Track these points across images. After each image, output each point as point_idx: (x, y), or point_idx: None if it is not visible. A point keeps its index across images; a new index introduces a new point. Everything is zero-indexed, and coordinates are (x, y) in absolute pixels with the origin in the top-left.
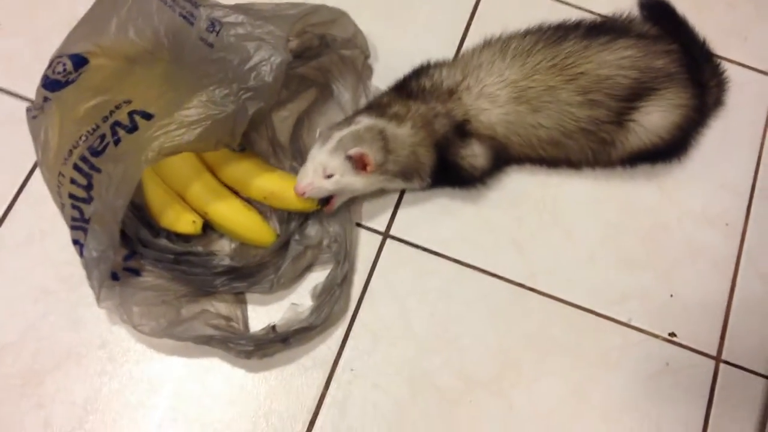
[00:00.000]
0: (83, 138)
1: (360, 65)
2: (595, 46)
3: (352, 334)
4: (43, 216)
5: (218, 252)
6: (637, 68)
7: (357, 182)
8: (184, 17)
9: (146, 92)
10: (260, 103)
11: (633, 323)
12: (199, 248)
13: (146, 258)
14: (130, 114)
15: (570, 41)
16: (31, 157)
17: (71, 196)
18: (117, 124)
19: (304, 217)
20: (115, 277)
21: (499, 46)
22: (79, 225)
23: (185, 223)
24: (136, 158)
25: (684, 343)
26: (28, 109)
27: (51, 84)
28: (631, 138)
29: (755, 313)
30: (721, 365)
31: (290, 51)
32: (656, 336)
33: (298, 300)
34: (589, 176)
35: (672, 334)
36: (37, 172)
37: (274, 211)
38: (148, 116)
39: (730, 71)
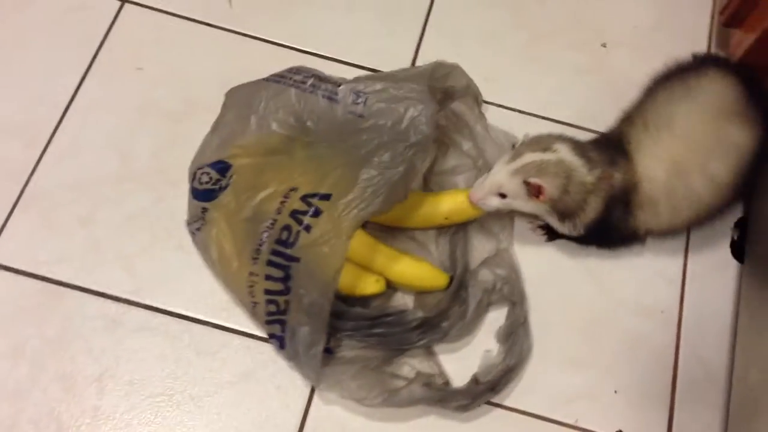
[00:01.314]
0: (265, 234)
1: (476, 113)
2: None
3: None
4: None
5: (402, 307)
6: None
7: (522, 206)
8: (328, 98)
9: (306, 176)
10: (426, 156)
11: (580, 425)
12: (390, 307)
13: (341, 330)
14: (305, 200)
15: None
16: None
17: (267, 291)
18: (296, 212)
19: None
20: None
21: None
22: (276, 318)
23: (370, 284)
24: (337, 238)
25: None
26: (188, 224)
27: (204, 194)
28: None
29: (699, 399)
30: None
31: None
32: None
33: (476, 343)
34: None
35: None
36: None
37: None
38: (326, 197)
39: None
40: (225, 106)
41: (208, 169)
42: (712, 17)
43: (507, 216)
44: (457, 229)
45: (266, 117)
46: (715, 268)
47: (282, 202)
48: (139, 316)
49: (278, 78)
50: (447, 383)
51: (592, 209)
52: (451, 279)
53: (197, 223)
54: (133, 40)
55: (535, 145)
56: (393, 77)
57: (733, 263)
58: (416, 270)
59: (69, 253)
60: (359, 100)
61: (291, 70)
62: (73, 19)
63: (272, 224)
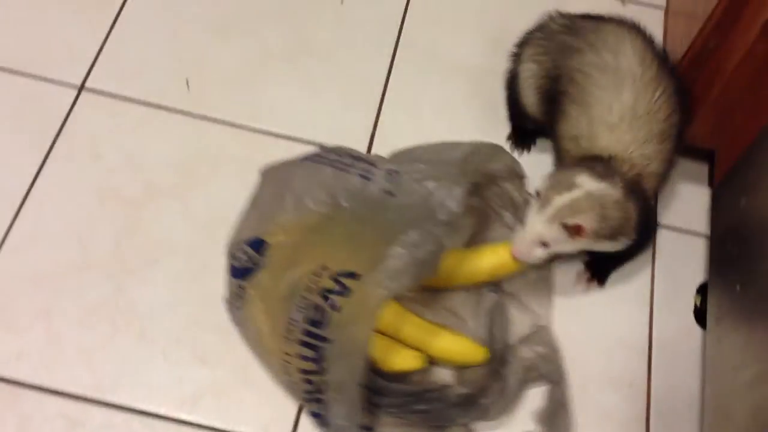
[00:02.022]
0: (297, 313)
1: (519, 190)
2: None
3: None
4: None
5: (442, 382)
6: None
7: (568, 248)
8: (362, 176)
9: (336, 254)
10: (454, 236)
11: None
12: (430, 383)
13: (381, 406)
14: (335, 278)
15: None
16: None
17: (302, 371)
18: (327, 291)
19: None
20: None
21: None
22: (314, 397)
23: (409, 359)
24: (364, 319)
25: None
26: (228, 302)
27: (241, 272)
28: None
29: None
30: None
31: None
32: None
33: (515, 423)
34: None
35: None
36: None
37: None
38: (353, 275)
39: None
40: (261, 184)
41: (244, 247)
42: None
43: (545, 291)
44: (494, 303)
45: (302, 195)
46: (680, 336)
47: (314, 281)
48: (100, 414)
49: (314, 157)
50: None
51: (634, 212)
52: (490, 353)
53: (237, 302)
54: (91, 128)
55: (559, 186)
56: (430, 156)
57: (698, 330)
58: (455, 344)
59: (27, 349)
60: (391, 180)
61: (326, 150)
62: (30, 108)
63: (304, 303)
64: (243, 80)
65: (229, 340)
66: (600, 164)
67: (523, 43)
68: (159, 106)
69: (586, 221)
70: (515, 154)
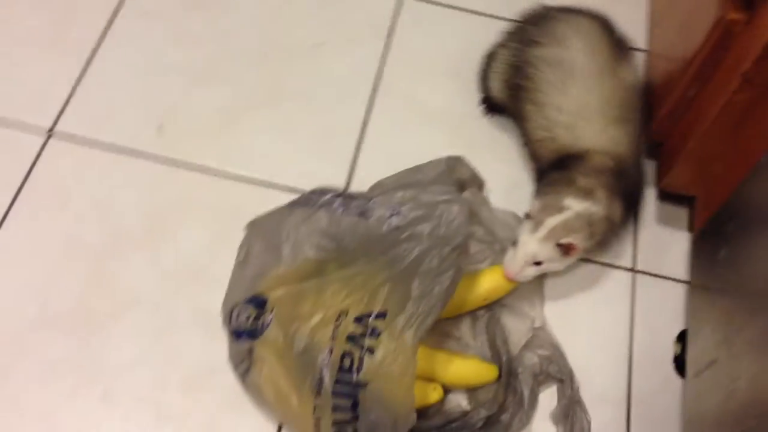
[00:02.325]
0: (325, 364)
1: (479, 199)
2: None
3: None
4: None
5: (456, 407)
6: None
7: (559, 266)
8: (360, 214)
9: (353, 296)
10: (467, 257)
11: None
12: (448, 412)
13: None
14: (359, 322)
15: None
16: None
17: (336, 423)
18: (354, 336)
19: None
20: None
21: None
22: None
23: (430, 393)
24: (404, 356)
25: None
26: (235, 368)
27: (247, 334)
28: None
29: None
30: None
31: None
32: None
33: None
34: None
35: None
36: None
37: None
38: (382, 315)
39: None
40: (249, 238)
41: (245, 307)
42: None
43: (536, 295)
44: (490, 318)
45: (299, 244)
46: (659, 386)
47: (335, 329)
48: None
49: (304, 202)
50: None
51: (618, 215)
52: (500, 369)
53: (244, 365)
54: (58, 175)
55: (549, 209)
56: (415, 180)
57: (678, 379)
58: (467, 368)
59: None
60: (393, 213)
61: (314, 192)
62: None
63: (329, 353)
64: (217, 125)
65: (195, 398)
66: (580, 168)
67: (489, 60)
68: (130, 152)
69: (578, 240)
70: (488, 117)
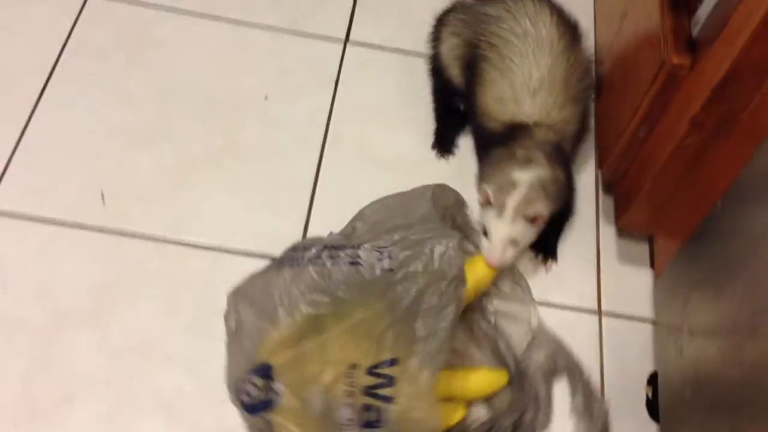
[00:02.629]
0: (348, 422)
1: (463, 217)
2: None
3: None
4: None
5: (477, 421)
6: None
7: (529, 236)
8: (352, 264)
9: (360, 348)
10: (463, 286)
11: None
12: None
13: None
14: (372, 373)
15: None
16: None
17: None
18: (370, 388)
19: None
20: None
21: None
22: None
23: (453, 414)
24: (425, 400)
25: None
26: None
27: (261, 406)
28: None
29: None
30: None
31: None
32: None
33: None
34: None
35: None
36: None
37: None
38: (393, 362)
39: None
40: (235, 306)
41: (252, 379)
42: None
43: (527, 296)
44: (488, 328)
45: (294, 304)
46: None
47: (349, 383)
48: None
49: (289, 261)
50: None
51: (562, 176)
52: (509, 373)
53: None
54: None
55: (504, 189)
56: (401, 215)
57: (653, 424)
58: (480, 379)
59: None
60: (383, 256)
61: (296, 249)
62: None
63: (350, 409)
64: (163, 189)
65: None
66: (522, 141)
67: (440, 24)
68: (71, 224)
69: (541, 207)
70: (441, 161)
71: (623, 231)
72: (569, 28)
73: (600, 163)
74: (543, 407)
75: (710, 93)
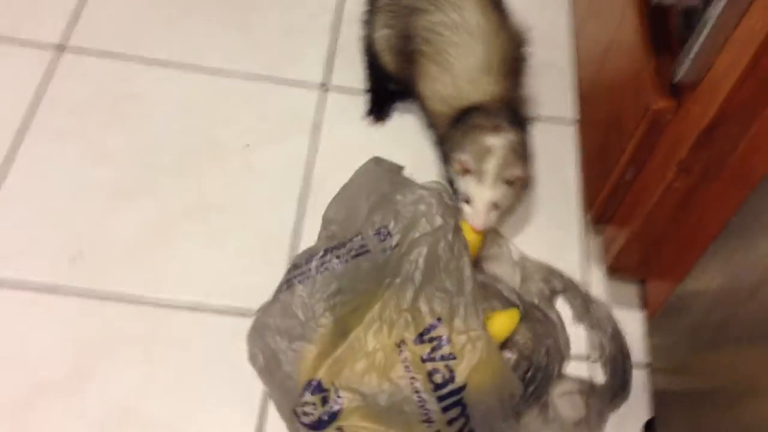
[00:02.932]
0: (419, 395)
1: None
2: None
3: None
4: None
5: (509, 363)
6: None
7: (509, 199)
8: (359, 255)
9: (398, 324)
10: (458, 222)
11: None
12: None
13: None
14: (422, 341)
15: None
16: None
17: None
18: (427, 355)
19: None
20: None
21: None
22: None
23: (508, 319)
24: (480, 339)
25: None
26: None
27: (326, 420)
28: None
29: None
30: None
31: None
32: None
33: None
34: None
35: None
36: None
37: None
38: (435, 325)
39: None
40: (259, 341)
41: (304, 400)
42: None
43: (498, 237)
44: (485, 279)
45: (320, 314)
46: None
47: (403, 360)
48: None
49: (297, 278)
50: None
51: (525, 137)
52: (520, 310)
53: None
54: None
55: (480, 155)
56: (375, 198)
57: None
58: (501, 322)
59: None
60: (383, 236)
61: (297, 266)
62: None
63: (414, 383)
64: (143, 247)
65: None
66: (481, 115)
67: (371, 11)
68: (45, 288)
69: (519, 169)
70: (375, 126)
71: (612, 273)
72: (493, 6)
73: (587, 205)
74: (559, 329)
75: (697, 137)
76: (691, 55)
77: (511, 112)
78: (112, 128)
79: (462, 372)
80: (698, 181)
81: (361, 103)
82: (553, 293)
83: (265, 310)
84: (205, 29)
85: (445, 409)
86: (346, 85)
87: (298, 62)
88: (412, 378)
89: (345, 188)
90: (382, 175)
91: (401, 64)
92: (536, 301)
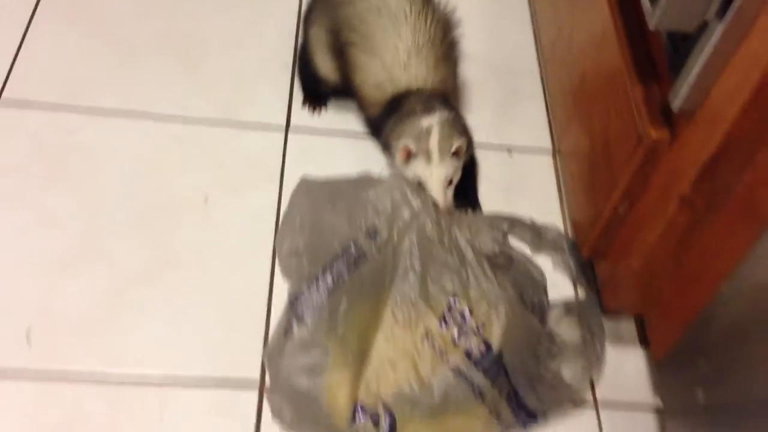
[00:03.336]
0: (465, 375)
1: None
2: None
3: None
4: None
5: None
6: None
7: (458, 172)
8: (357, 263)
9: (416, 318)
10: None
11: None
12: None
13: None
14: (446, 323)
15: None
16: None
17: (506, 399)
18: (459, 332)
19: None
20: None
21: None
22: (520, 406)
23: None
24: (505, 302)
25: None
26: None
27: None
28: None
29: None
30: None
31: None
32: None
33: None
34: None
35: None
36: None
37: None
38: (454, 302)
39: None
40: (287, 399)
41: (357, 428)
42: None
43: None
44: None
45: (338, 337)
46: None
47: (434, 348)
48: None
49: (305, 312)
50: None
51: (458, 114)
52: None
53: None
54: None
55: (423, 137)
56: (342, 208)
57: None
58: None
59: None
60: (373, 235)
61: (295, 302)
62: None
63: (455, 366)
64: (98, 318)
65: None
66: (413, 100)
67: (309, 11)
68: None
69: (458, 141)
70: (314, 116)
71: (610, 312)
72: None
73: (577, 242)
74: (529, 264)
75: (700, 169)
76: (690, 81)
77: (442, 96)
78: (57, 187)
79: (496, 339)
80: (702, 213)
81: (327, 143)
82: (504, 235)
83: (275, 355)
84: (152, 75)
85: (493, 384)
86: (310, 125)
87: (256, 104)
88: (452, 363)
89: (287, 217)
90: (323, 187)
91: (334, 63)
92: (496, 248)
